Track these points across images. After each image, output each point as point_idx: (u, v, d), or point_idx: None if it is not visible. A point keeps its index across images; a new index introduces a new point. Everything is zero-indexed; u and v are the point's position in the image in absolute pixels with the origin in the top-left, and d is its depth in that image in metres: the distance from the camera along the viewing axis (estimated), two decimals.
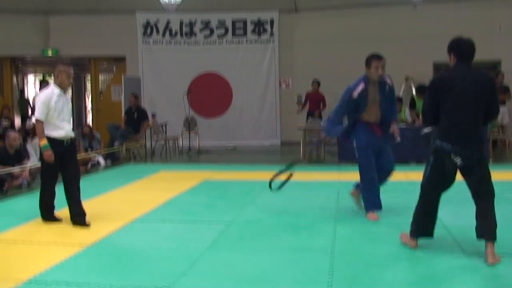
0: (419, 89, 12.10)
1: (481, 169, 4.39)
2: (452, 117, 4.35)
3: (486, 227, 4.31)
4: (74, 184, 5.77)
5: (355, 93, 5.85)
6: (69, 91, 10.71)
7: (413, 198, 6.87)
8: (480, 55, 15.85)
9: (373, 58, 5.96)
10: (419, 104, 11.65)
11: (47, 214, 5.84)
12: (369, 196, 5.88)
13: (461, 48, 4.48)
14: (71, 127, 5.90)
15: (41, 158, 5.75)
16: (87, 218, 5.71)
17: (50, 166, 5.69)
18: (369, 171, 5.82)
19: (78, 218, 5.66)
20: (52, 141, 5.63)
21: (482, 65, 14.60)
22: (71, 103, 6.06)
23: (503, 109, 11.46)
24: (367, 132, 5.84)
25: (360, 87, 5.88)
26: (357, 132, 5.89)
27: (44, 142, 5.59)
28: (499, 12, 13.91)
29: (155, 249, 4.84)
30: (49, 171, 5.79)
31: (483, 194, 4.41)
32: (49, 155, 5.56)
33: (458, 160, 4.34)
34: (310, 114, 13.33)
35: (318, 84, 13.62)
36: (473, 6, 13.99)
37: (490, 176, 4.42)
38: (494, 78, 4.18)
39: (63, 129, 5.71)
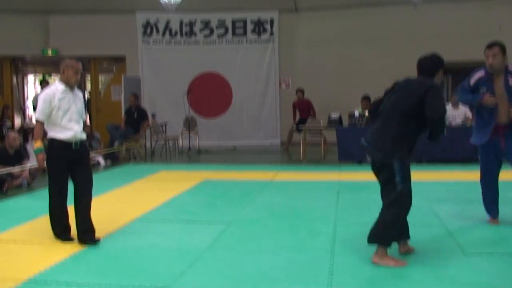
0: None
1: (384, 175, 4.34)
2: (374, 118, 4.53)
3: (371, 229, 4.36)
4: (84, 194, 5.08)
5: (472, 80, 5.34)
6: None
7: (413, 199, 6.88)
8: (478, 55, 15.85)
9: (486, 47, 5.30)
10: None
11: (63, 236, 5.12)
12: (484, 201, 5.55)
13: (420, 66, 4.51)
14: (81, 127, 5.19)
15: (47, 167, 5.07)
16: (97, 234, 5.09)
17: (57, 175, 5.04)
18: (484, 175, 5.47)
19: (86, 235, 5.00)
20: (59, 144, 5.01)
21: (480, 65, 14.64)
22: (83, 101, 5.35)
23: None
24: (480, 133, 5.37)
25: (478, 74, 5.34)
26: (473, 127, 5.49)
27: (39, 145, 5.01)
28: (498, 12, 13.90)
29: (155, 249, 4.84)
30: (56, 182, 5.08)
31: (383, 199, 4.40)
32: (42, 159, 4.99)
33: (369, 159, 4.48)
34: (302, 121, 13.21)
35: (302, 92, 13.61)
36: (473, 6, 13.99)
37: (388, 184, 4.29)
38: (434, 86, 4.31)
39: (71, 130, 5.03)
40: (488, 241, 4.88)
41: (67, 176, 5.07)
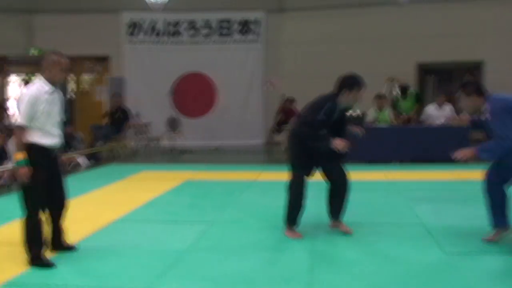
0: (402, 89, 12.22)
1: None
2: None
3: None
4: (59, 208, 4.66)
5: None
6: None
7: (393, 198, 6.93)
8: (464, 56, 16.04)
9: None
10: (402, 104, 11.72)
11: (37, 256, 4.41)
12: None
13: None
14: (60, 131, 4.63)
15: (31, 180, 4.30)
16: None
17: (39, 187, 4.37)
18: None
19: (62, 242, 4.75)
20: (42, 151, 4.38)
21: (467, 66, 14.79)
22: (62, 101, 4.71)
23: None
24: None
25: None
26: None
27: (21, 156, 4.26)
28: (482, 13, 14.01)
29: (136, 250, 4.82)
30: (36, 196, 4.39)
31: None
32: (25, 173, 4.24)
33: None
34: (284, 123, 13.10)
35: (292, 102, 13.42)
36: (457, 7, 14.09)
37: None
38: (318, 100, 4.79)
39: (55, 135, 4.49)
40: (467, 240, 4.91)
41: (47, 186, 4.46)
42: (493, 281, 3.92)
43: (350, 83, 5.02)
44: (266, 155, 13.37)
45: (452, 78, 16.42)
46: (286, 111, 13.35)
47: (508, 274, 4.09)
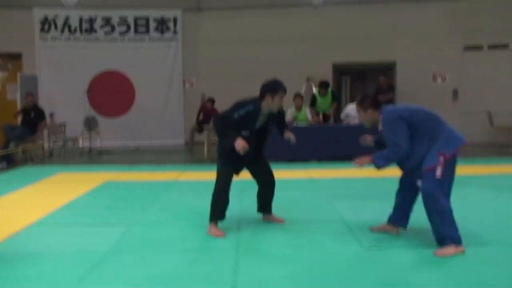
0: (322, 84, 12.51)
1: None
2: None
3: None
4: None
5: None
6: None
7: (315, 195, 7.09)
8: (378, 56, 16.60)
9: None
10: (321, 101, 11.95)
11: None
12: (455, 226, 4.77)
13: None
14: None
15: None
16: None
17: None
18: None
19: None
20: None
21: (380, 66, 15.31)
22: None
23: None
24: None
25: None
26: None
27: None
28: (395, 15, 14.57)
29: (54, 254, 4.69)
30: None
31: None
32: None
33: None
34: (205, 122, 13.11)
35: (212, 102, 13.41)
36: (371, 8, 14.58)
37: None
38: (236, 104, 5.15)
39: None
40: (385, 235, 5.09)
41: None
42: (406, 272, 4.11)
43: (273, 88, 5.16)
44: (187, 155, 13.31)
45: (367, 78, 17.00)
46: (206, 111, 13.33)
47: (419, 266, 4.28)
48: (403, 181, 5.05)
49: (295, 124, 10.89)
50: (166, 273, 4.17)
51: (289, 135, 5.59)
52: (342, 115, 11.80)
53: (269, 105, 5.18)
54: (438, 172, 4.47)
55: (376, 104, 4.91)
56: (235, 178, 5.32)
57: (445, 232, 4.48)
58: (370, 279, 3.97)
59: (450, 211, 4.50)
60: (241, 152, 4.99)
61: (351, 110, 11.50)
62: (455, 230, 4.50)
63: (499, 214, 6.03)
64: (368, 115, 4.95)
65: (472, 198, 6.89)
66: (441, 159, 4.48)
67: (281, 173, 8.69)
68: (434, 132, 4.60)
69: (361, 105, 4.98)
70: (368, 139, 5.27)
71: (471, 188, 7.57)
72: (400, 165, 4.86)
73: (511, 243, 4.86)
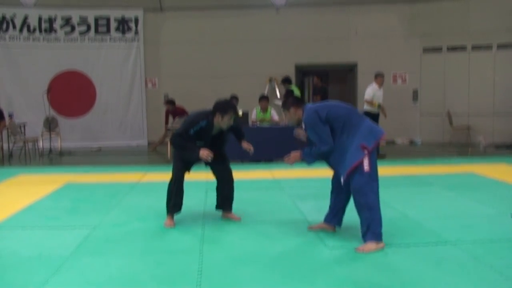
0: (285, 80, 12.63)
1: None
2: None
3: None
4: None
5: None
6: None
7: (278, 196, 7.14)
8: (339, 58, 16.75)
9: None
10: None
11: None
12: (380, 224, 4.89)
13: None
14: None
15: None
16: None
17: None
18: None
19: None
20: None
21: (341, 67, 15.50)
22: None
23: None
24: None
25: None
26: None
27: None
28: (355, 17, 14.77)
29: (15, 258, 4.62)
30: None
31: None
32: None
33: None
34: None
35: (173, 103, 13.25)
36: (331, 11, 14.74)
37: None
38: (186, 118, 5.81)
39: None
40: (346, 235, 5.17)
41: None
42: (370, 271, 4.18)
43: (223, 108, 5.44)
44: (149, 156, 13.22)
45: (329, 79, 17.19)
46: (171, 113, 13.26)
47: (384, 265, 4.36)
48: (334, 182, 5.24)
49: (258, 125, 10.92)
50: (130, 275, 4.15)
51: (246, 146, 5.88)
52: None
53: (219, 122, 5.45)
54: (366, 165, 4.65)
55: (297, 103, 5.16)
56: (200, 178, 5.34)
57: (370, 227, 4.67)
58: (334, 278, 4.03)
59: (378, 206, 4.70)
60: (208, 159, 5.30)
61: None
62: (379, 226, 4.70)
63: (457, 212, 6.18)
64: (292, 114, 5.17)
65: (431, 197, 7.04)
66: (365, 152, 4.67)
67: (245, 174, 8.75)
68: (353, 126, 4.79)
69: (284, 105, 5.27)
70: (301, 133, 5.37)
71: (431, 187, 7.74)
72: (326, 159, 4.98)
73: (467, 241, 4.98)
